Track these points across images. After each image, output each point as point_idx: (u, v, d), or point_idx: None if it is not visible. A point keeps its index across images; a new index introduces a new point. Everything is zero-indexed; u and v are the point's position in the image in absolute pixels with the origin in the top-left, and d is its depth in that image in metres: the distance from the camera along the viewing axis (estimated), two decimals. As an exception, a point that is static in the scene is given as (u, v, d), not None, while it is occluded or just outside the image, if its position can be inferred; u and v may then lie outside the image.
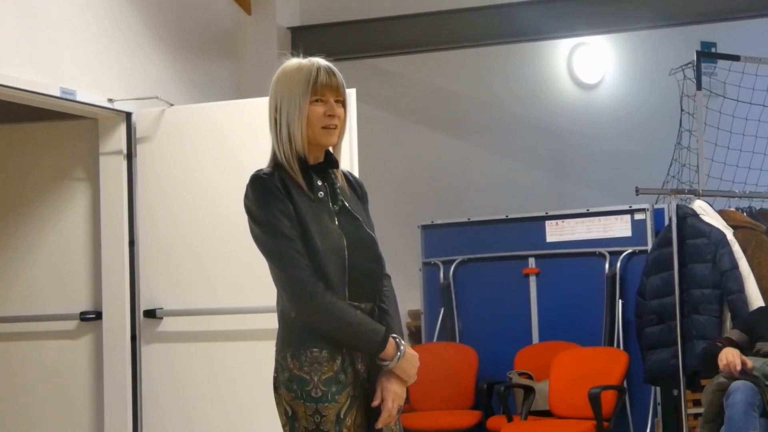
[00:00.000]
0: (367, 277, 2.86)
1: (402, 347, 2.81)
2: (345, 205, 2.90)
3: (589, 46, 9.34)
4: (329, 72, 2.85)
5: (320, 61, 2.87)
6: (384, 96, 7.99)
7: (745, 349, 5.29)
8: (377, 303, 2.89)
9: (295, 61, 2.89)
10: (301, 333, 2.77)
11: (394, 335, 2.82)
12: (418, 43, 7.36)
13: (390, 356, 2.79)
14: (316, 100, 2.83)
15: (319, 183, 2.87)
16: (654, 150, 8.53)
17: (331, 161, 2.92)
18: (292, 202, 2.78)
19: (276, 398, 2.82)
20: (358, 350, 2.81)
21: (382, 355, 2.79)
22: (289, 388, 2.77)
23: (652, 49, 9.14)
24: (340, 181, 2.95)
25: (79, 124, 5.77)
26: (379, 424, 2.81)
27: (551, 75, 9.26)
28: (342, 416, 2.75)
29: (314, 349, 2.75)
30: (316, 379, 2.74)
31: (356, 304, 2.81)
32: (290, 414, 2.78)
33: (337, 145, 2.92)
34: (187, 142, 5.58)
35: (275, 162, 2.86)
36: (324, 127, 2.84)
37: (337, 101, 2.86)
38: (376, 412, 2.81)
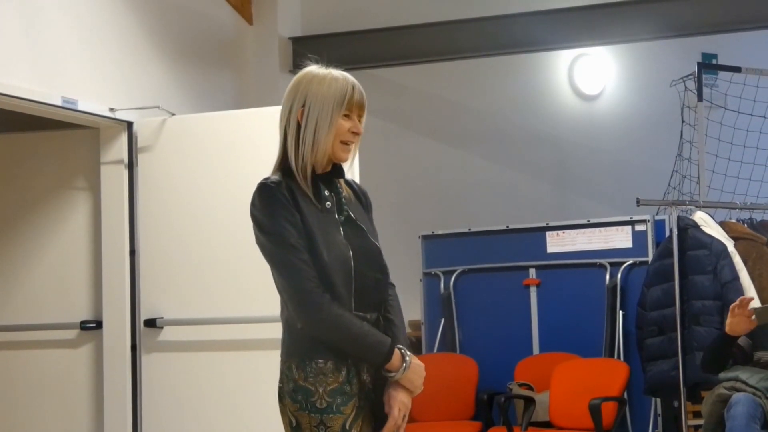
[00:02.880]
0: (373, 287, 2.86)
1: (408, 358, 2.81)
2: (350, 215, 2.89)
3: (591, 57, 9.35)
4: (361, 91, 2.87)
5: (349, 76, 2.87)
6: (385, 106, 8.00)
7: (747, 354, 5.29)
8: (382, 313, 2.89)
9: (324, 70, 2.87)
10: (307, 344, 2.76)
11: (399, 346, 2.81)
12: (420, 54, 7.36)
13: (396, 367, 2.79)
14: (345, 116, 2.83)
15: (327, 193, 2.87)
16: (655, 161, 8.54)
17: (337, 171, 2.91)
18: (300, 212, 2.76)
19: (281, 408, 2.81)
20: (364, 362, 2.80)
21: (388, 367, 2.78)
22: (293, 398, 2.76)
23: (653, 61, 9.16)
24: (345, 191, 2.94)
25: (80, 134, 5.77)
26: None
27: (552, 86, 9.27)
28: (347, 427, 2.75)
29: (319, 360, 2.75)
30: (321, 390, 2.73)
31: (362, 314, 2.80)
32: (295, 425, 2.77)
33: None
34: (189, 152, 5.58)
35: (283, 169, 2.84)
36: (343, 142, 2.84)
37: (359, 119, 2.88)
38: (382, 423, 2.81)
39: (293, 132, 2.83)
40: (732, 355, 5.19)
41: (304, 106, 2.82)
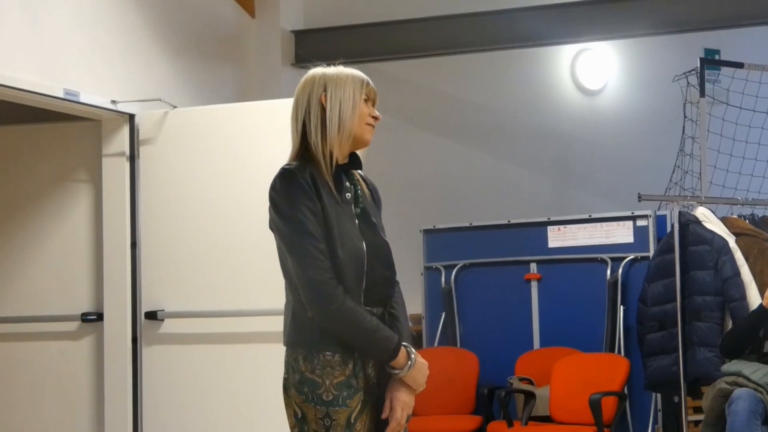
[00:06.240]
0: (382, 283, 2.86)
1: (413, 356, 2.81)
2: (365, 209, 2.90)
3: (593, 52, 9.34)
4: (372, 83, 2.93)
5: (360, 72, 2.94)
6: (387, 100, 7.90)
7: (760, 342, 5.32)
8: (387, 308, 2.89)
9: (335, 67, 2.92)
10: (314, 335, 2.76)
11: (405, 343, 2.82)
12: (422, 48, 7.35)
13: (401, 365, 2.79)
14: (364, 99, 2.88)
15: (347, 184, 2.88)
16: (657, 156, 8.53)
17: (355, 162, 2.93)
18: (320, 201, 2.76)
19: (285, 399, 2.82)
20: (370, 356, 2.80)
21: (393, 363, 2.79)
22: (299, 390, 2.76)
23: (655, 56, 9.15)
24: (361, 184, 2.95)
25: (82, 126, 5.77)
26: None
27: (554, 81, 9.26)
28: (352, 421, 2.75)
29: (327, 353, 2.75)
30: (327, 383, 2.74)
31: (369, 309, 2.80)
32: (299, 416, 2.77)
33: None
34: (190, 145, 5.58)
35: (303, 157, 2.84)
36: (368, 124, 2.89)
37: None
38: (384, 421, 2.81)
39: (317, 117, 2.84)
40: (757, 339, 5.23)
41: (326, 91, 2.85)
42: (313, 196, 2.75)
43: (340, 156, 2.86)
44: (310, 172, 2.78)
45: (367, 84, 2.90)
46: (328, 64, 2.93)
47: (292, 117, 2.89)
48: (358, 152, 2.95)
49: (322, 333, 2.75)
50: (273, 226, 2.81)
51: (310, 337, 2.76)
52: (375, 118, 2.91)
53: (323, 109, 2.84)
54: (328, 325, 2.74)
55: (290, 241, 2.76)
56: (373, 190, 3.03)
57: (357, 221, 2.85)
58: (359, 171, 2.97)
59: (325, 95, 2.84)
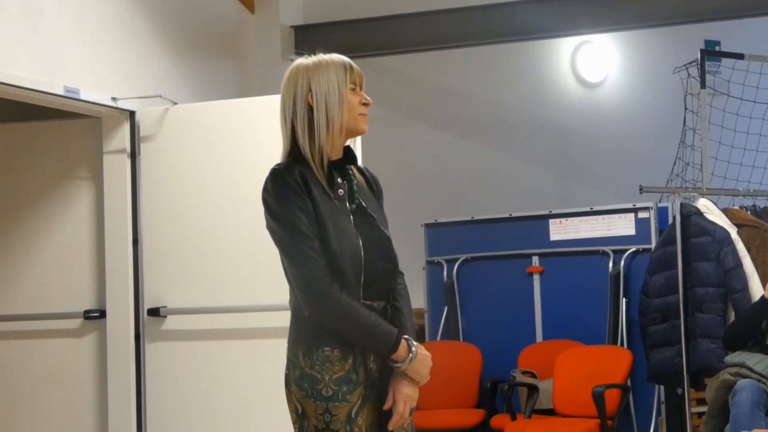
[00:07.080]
0: (382, 276, 2.86)
1: (414, 348, 2.80)
2: (361, 204, 2.89)
3: (593, 44, 9.33)
4: (355, 64, 2.89)
5: (339, 55, 2.88)
6: (387, 95, 7.98)
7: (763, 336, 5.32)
8: (390, 301, 2.89)
9: (313, 57, 2.87)
10: (314, 332, 2.76)
11: (406, 336, 2.81)
12: (422, 42, 7.35)
13: (402, 358, 2.79)
14: (351, 89, 2.85)
15: (339, 180, 2.86)
16: (658, 148, 8.53)
17: (350, 157, 2.91)
18: (312, 200, 2.75)
19: (287, 395, 2.82)
20: (370, 351, 2.80)
21: (394, 357, 2.78)
22: (300, 386, 2.76)
23: (656, 48, 9.14)
24: (358, 178, 2.94)
25: (82, 123, 5.77)
26: (391, 426, 2.81)
27: (555, 73, 9.25)
28: (353, 416, 2.75)
29: (326, 348, 2.75)
30: (327, 378, 2.74)
31: (369, 303, 2.80)
32: (300, 412, 2.78)
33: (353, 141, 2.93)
34: (191, 141, 5.58)
35: (295, 157, 2.83)
36: (360, 114, 2.87)
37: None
38: (388, 413, 2.81)
39: (304, 119, 2.82)
40: (759, 331, 5.22)
41: (311, 91, 2.82)
42: (303, 195, 2.74)
43: (333, 152, 2.85)
44: (300, 170, 2.77)
45: (351, 69, 2.85)
46: (309, 54, 2.89)
47: (281, 117, 2.87)
48: (356, 141, 2.94)
49: (321, 329, 2.75)
50: (268, 228, 2.81)
51: (310, 333, 2.77)
52: (365, 104, 2.87)
53: (311, 110, 2.81)
54: (324, 322, 2.74)
55: (284, 242, 2.77)
56: (372, 182, 3.01)
57: (352, 217, 2.84)
58: (356, 164, 2.96)
59: (311, 95, 2.81)
